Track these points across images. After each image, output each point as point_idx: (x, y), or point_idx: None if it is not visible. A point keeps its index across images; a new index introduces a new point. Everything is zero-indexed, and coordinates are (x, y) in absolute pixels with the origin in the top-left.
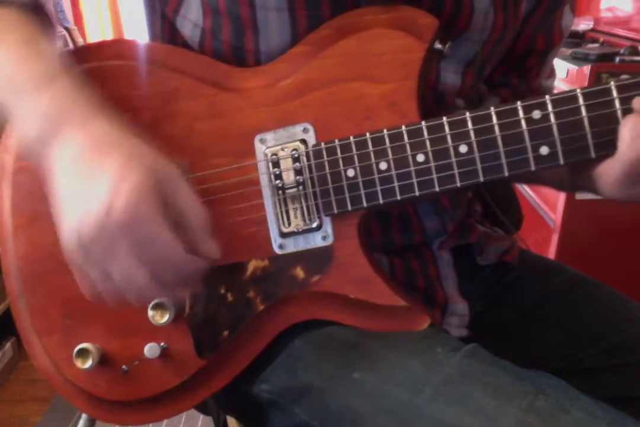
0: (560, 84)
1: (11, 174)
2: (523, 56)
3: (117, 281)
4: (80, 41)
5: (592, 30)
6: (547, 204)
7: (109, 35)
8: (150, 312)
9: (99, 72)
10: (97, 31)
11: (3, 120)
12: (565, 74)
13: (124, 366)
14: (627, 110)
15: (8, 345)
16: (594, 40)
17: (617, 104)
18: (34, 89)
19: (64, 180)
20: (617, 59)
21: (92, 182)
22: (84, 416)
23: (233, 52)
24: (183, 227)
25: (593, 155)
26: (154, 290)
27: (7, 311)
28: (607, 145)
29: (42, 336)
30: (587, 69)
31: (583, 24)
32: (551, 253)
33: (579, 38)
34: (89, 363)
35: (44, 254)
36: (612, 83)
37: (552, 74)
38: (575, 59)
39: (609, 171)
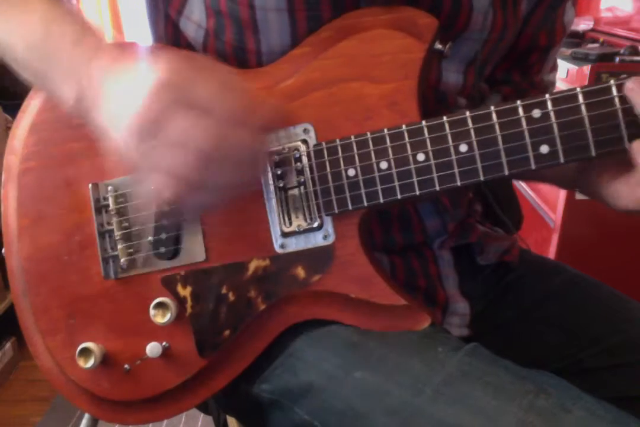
0: (560, 84)
1: (17, 176)
2: (525, 53)
3: (179, 141)
4: None
5: (592, 30)
6: (547, 204)
7: (109, 35)
8: (151, 312)
9: None
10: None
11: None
12: (565, 74)
13: (126, 366)
14: (627, 109)
15: (8, 345)
16: (594, 40)
17: (617, 102)
18: (67, 44)
19: (114, 93)
20: (617, 59)
21: (136, 78)
22: (86, 415)
23: (235, 53)
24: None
25: (593, 153)
26: (218, 140)
27: (7, 311)
28: (608, 144)
29: (46, 336)
30: (587, 69)
31: (583, 24)
32: (551, 253)
33: (579, 38)
34: (91, 362)
35: (48, 255)
36: (612, 81)
37: (554, 68)
38: (575, 59)
39: (622, 195)
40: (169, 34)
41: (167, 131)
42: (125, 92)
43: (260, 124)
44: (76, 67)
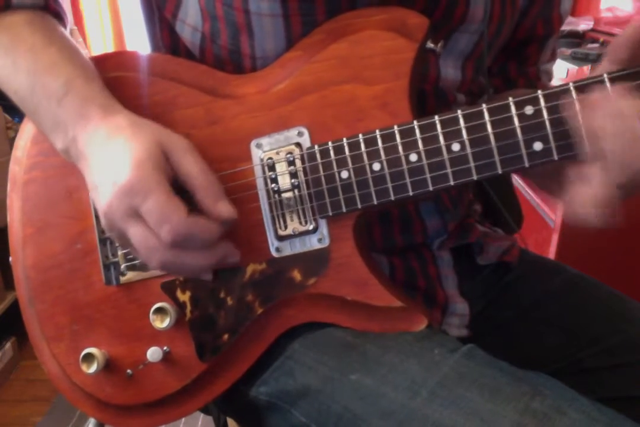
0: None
1: (21, 186)
2: (522, 44)
3: (136, 248)
4: (80, 41)
5: (592, 30)
6: (547, 204)
7: (109, 35)
8: (151, 317)
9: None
10: (97, 31)
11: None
12: (565, 74)
13: (128, 371)
14: None
15: (8, 345)
16: (594, 40)
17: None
18: (53, 102)
19: (93, 169)
20: None
21: (109, 165)
22: (92, 420)
23: (231, 57)
24: (192, 192)
25: (588, 149)
26: (169, 254)
27: (7, 311)
28: None
29: (51, 343)
30: (587, 69)
31: (583, 24)
32: (551, 253)
33: (579, 38)
34: (93, 368)
35: (52, 263)
36: (604, 75)
37: (552, 58)
38: (575, 59)
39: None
40: (166, 38)
41: (127, 235)
42: (98, 179)
43: (206, 241)
44: (61, 125)
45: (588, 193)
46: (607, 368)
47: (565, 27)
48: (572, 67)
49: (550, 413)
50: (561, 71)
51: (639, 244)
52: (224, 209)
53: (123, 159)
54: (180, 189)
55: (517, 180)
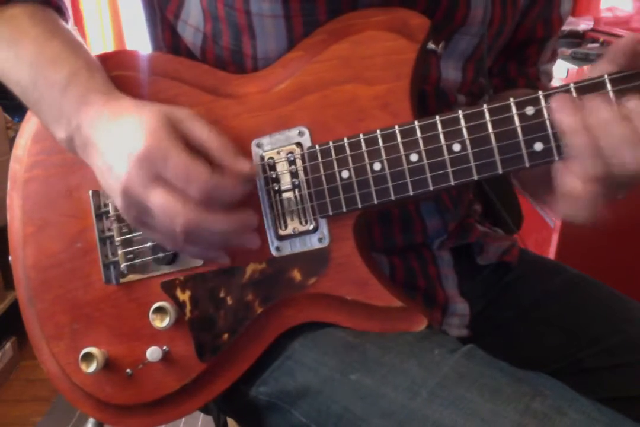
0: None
1: (22, 184)
2: (522, 45)
3: (158, 217)
4: (76, 32)
5: (592, 30)
6: None
7: (109, 35)
8: (151, 316)
9: None
10: (97, 31)
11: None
12: (565, 74)
13: (128, 370)
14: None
15: (8, 345)
16: (594, 40)
17: (611, 97)
18: (56, 93)
19: (102, 149)
20: None
21: (120, 140)
22: (91, 419)
23: (233, 57)
24: (209, 154)
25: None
26: (195, 216)
27: (7, 311)
28: None
29: (51, 342)
30: (587, 69)
31: (583, 24)
32: (551, 253)
33: (579, 38)
34: (93, 367)
35: (52, 262)
36: (605, 76)
37: (552, 58)
38: (575, 59)
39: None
40: (167, 38)
41: (148, 204)
42: (111, 157)
43: (229, 200)
44: (65, 114)
45: (568, 186)
46: (607, 368)
47: (565, 27)
48: (572, 67)
49: (551, 413)
50: (561, 71)
51: (639, 244)
52: (245, 165)
53: (134, 132)
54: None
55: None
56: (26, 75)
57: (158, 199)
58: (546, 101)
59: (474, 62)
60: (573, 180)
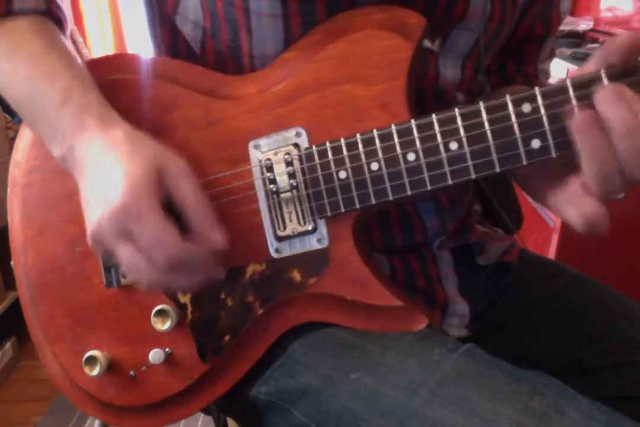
0: None
1: (21, 188)
2: (521, 43)
3: (124, 267)
4: (80, 41)
5: (592, 30)
6: None
7: (109, 35)
8: (152, 319)
9: (102, 87)
10: (97, 31)
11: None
12: (565, 74)
13: (131, 372)
14: None
15: (8, 345)
16: (594, 40)
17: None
18: (51, 110)
19: (87, 182)
20: None
21: (103, 181)
22: (97, 421)
23: (231, 53)
24: (186, 218)
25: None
26: (158, 277)
27: (7, 311)
28: None
29: (53, 344)
30: (577, 70)
31: (583, 24)
32: (551, 253)
33: (579, 38)
34: (97, 370)
35: (52, 265)
36: (602, 71)
37: (550, 56)
38: (575, 59)
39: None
40: (166, 36)
41: (115, 253)
42: (90, 195)
43: (195, 268)
44: (59, 133)
45: (585, 209)
46: (607, 368)
47: (565, 27)
48: (572, 67)
49: (550, 412)
50: (561, 71)
51: (639, 244)
52: (218, 238)
53: (116, 178)
54: (171, 208)
55: None
56: (23, 89)
57: (125, 254)
58: (542, 98)
59: (473, 60)
60: (592, 203)
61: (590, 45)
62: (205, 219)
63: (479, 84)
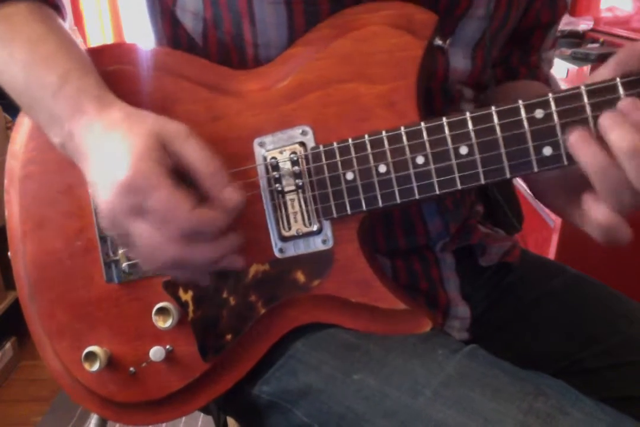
0: (560, 84)
1: (18, 180)
2: (528, 32)
3: (140, 247)
4: (80, 41)
5: (592, 30)
6: None
7: (109, 35)
8: (153, 317)
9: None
10: (97, 31)
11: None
12: (565, 74)
13: (131, 368)
14: None
15: (8, 345)
16: (594, 40)
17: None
18: (48, 95)
19: (92, 166)
20: None
21: (107, 162)
22: (95, 416)
23: (235, 43)
24: (196, 181)
25: None
26: (176, 252)
27: (7, 311)
28: None
29: (53, 340)
30: (587, 69)
31: (583, 24)
32: (551, 253)
33: (579, 38)
34: (96, 366)
35: (52, 259)
36: (617, 79)
37: (553, 45)
38: (575, 59)
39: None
40: (167, 29)
41: (131, 233)
42: (97, 178)
43: (213, 233)
44: (57, 118)
45: (600, 217)
46: (608, 368)
47: (565, 27)
48: (572, 67)
49: (554, 413)
50: (561, 71)
51: (639, 244)
52: (231, 196)
53: (121, 156)
54: (183, 176)
55: (517, 180)
56: (20, 75)
57: (140, 232)
58: (556, 104)
59: (482, 50)
60: (605, 212)
61: (590, 45)
62: (214, 178)
63: (487, 77)
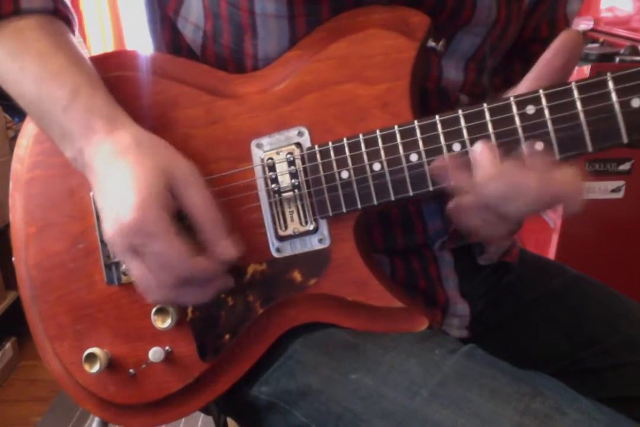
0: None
1: (24, 184)
2: (526, 43)
3: (135, 280)
4: (80, 41)
5: (592, 30)
6: None
7: (108, 35)
8: (152, 317)
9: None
10: (97, 31)
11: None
12: None
13: (131, 370)
14: (624, 103)
15: (8, 345)
16: (594, 40)
17: (613, 97)
18: (59, 110)
19: (100, 189)
20: (617, 59)
21: (113, 195)
22: (96, 418)
23: (233, 56)
24: (195, 228)
25: (590, 149)
26: (166, 294)
27: (7, 311)
28: (604, 140)
29: (54, 342)
30: (587, 69)
31: (583, 24)
32: (551, 253)
33: None
34: (96, 367)
35: (54, 262)
36: (608, 74)
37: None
38: None
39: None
40: (167, 36)
41: (130, 269)
42: (105, 206)
43: (203, 283)
44: (68, 134)
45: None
46: (607, 368)
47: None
48: None
49: (551, 413)
50: None
51: (639, 244)
52: (226, 250)
53: (126, 193)
54: (184, 216)
55: None
56: (31, 89)
57: (136, 271)
58: (547, 100)
59: (476, 63)
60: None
61: (590, 45)
62: (213, 228)
63: (483, 87)
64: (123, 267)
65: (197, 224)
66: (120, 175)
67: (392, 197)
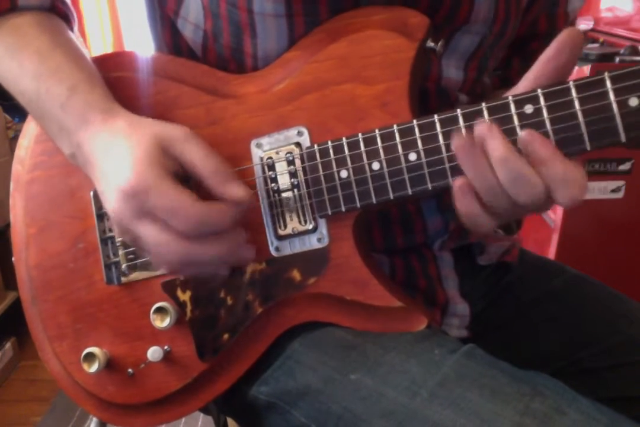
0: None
1: (24, 185)
2: (525, 40)
3: (151, 248)
4: (80, 41)
5: (592, 30)
6: None
7: (108, 35)
8: (151, 317)
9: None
10: (97, 31)
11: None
12: None
13: (129, 370)
14: (622, 102)
15: (8, 345)
16: (594, 40)
17: (611, 96)
18: (57, 107)
19: (99, 175)
20: (617, 59)
21: (112, 170)
22: (94, 419)
23: (233, 55)
24: (200, 181)
25: (588, 148)
26: (185, 249)
27: (7, 311)
28: (602, 138)
29: (54, 342)
30: (587, 69)
31: (583, 24)
32: (551, 253)
33: None
34: (95, 367)
35: (54, 262)
36: (606, 73)
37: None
38: None
39: None
40: (168, 36)
41: (139, 235)
42: (104, 186)
43: (219, 229)
44: (65, 131)
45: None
46: (607, 368)
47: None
48: None
49: (551, 413)
50: None
51: (639, 244)
52: (234, 190)
53: (122, 163)
54: (187, 179)
55: None
56: (29, 86)
57: (148, 233)
58: (545, 99)
59: (477, 62)
60: (471, 202)
61: (590, 45)
62: (216, 174)
63: (483, 86)
64: (123, 267)
65: (199, 174)
66: (116, 151)
67: (391, 196)
